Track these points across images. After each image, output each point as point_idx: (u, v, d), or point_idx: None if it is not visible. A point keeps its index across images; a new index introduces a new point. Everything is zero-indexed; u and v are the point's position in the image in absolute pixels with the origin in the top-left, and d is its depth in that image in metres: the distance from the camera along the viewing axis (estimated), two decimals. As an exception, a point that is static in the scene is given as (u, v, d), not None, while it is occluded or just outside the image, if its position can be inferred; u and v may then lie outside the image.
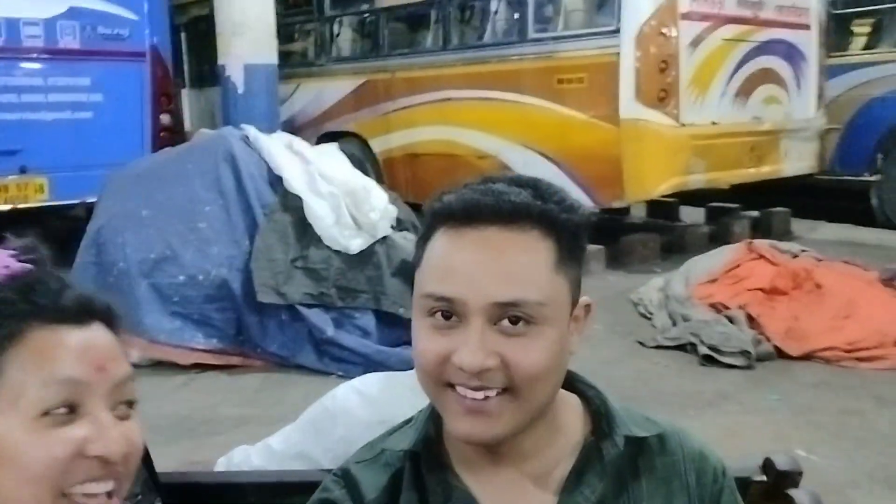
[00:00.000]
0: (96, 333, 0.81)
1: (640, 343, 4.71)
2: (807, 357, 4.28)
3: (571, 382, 0.99)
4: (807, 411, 3.64)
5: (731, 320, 4.58)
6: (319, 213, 4.37)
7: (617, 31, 6.01)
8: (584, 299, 0.92)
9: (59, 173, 6.35)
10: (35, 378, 0.75)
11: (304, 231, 4.37)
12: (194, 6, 9.26)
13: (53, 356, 0.76)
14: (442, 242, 0.87)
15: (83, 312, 0.80)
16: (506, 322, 0.83)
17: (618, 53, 5.98)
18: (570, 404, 0.97)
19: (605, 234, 7.02)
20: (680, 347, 4.55)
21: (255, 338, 4.35)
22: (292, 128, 8.10)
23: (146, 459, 1.16)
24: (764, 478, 1.26)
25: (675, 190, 6.43)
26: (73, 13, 6.50)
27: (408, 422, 1.01)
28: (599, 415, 0.95)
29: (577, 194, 6.42)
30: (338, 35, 8.46)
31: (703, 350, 4.37)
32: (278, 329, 4.34)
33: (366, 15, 8.23)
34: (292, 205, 4.42)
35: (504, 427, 0.86)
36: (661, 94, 6.01)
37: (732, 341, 4.34)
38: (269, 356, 4.35)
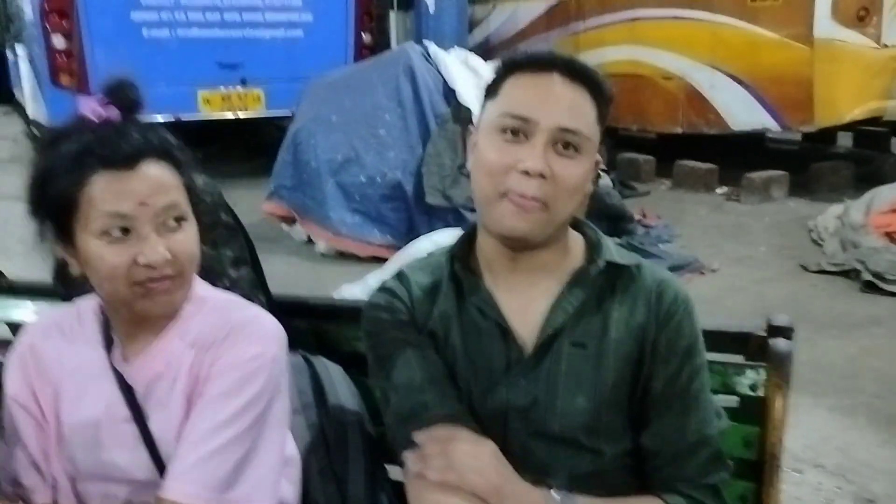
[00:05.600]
0: (143, 173, 1.06)
1: (803, 267, 4.64)
2: (981, 290, 4.07)
3: (582, 228, 1.26)
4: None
5: (903, 249, 4.41)
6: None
7: (815, -57, 5.69)
8: (597, 156, 1.19)
9: (274, 86, 7.10)
10: (96, 211, 1.05)
11: (473, 140, 4.70)
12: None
13: (106, 197, 1.05)
14: (523, 79, 1.14)
15: (134, 157, 1.06)
16: (560, 146, 1.10)
17: (815, -33, 5.68)
18: (578, 239, 1.24)
19: (794, 160, 6.77)
20: (845, 274, 4.45)
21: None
22: (487, 48, 8.36)
23: (256, 267, 1.55)
24: (763, 333, 1.44)
25: (871, 115, 6.05)
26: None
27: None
28: (593, 246, 1.22)
29: (763, 116, 6.25)
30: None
31: (866, 276, 4.26)
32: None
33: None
34: (463, 116, 4.77)
35: (536, 229, 1.11)
36: (861, 11, 5.64)
37: (899, 269, 4.19)
38: (437, 254, 4.78)
